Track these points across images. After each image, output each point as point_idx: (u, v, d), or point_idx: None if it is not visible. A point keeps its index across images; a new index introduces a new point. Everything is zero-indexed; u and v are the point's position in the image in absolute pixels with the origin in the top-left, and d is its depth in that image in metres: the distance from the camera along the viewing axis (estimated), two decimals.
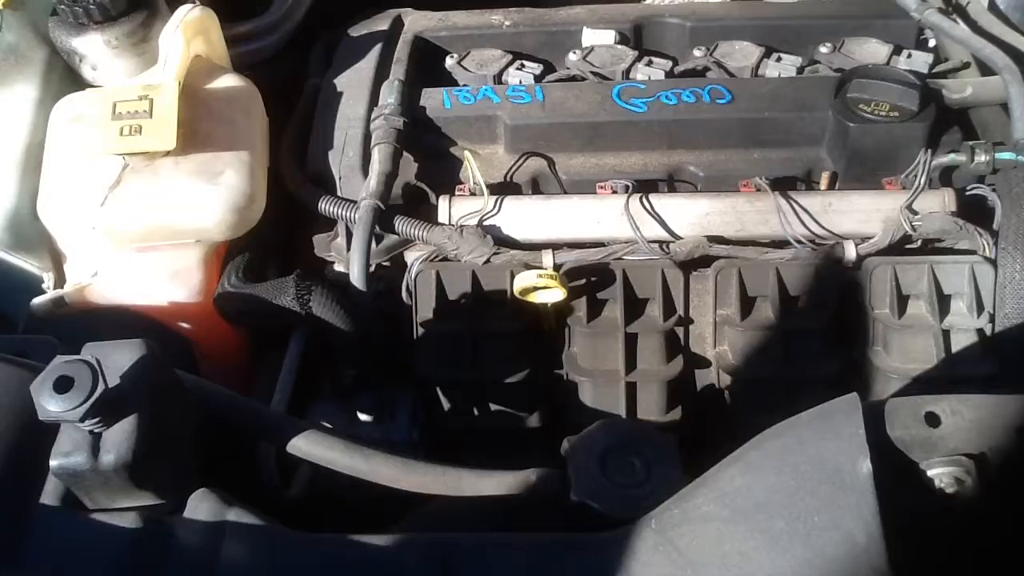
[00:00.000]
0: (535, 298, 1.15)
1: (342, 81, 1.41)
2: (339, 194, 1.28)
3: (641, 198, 1.21)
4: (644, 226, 1.20)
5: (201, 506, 0.83)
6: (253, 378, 1.30)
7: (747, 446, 0.80)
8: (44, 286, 1.28)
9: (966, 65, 1.39)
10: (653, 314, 1.20)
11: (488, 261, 1.19)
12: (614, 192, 1.24)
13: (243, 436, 1.03)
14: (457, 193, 1.26)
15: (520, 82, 1.40)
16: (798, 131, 1.28)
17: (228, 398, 0.97)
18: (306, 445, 0.93)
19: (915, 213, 1.18)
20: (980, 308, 1.15)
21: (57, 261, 1.29)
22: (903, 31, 1.43)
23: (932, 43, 1.45)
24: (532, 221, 1.23)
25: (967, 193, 1.22)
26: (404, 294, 1.23)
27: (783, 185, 1.24)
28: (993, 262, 1.15)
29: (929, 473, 0.77)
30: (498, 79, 1.42)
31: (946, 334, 1.15)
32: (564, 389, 1.23)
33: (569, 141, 1.30)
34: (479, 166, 1.24)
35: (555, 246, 1.21)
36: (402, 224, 1.21)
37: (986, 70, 1.33)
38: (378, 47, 1.46)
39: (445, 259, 1.21)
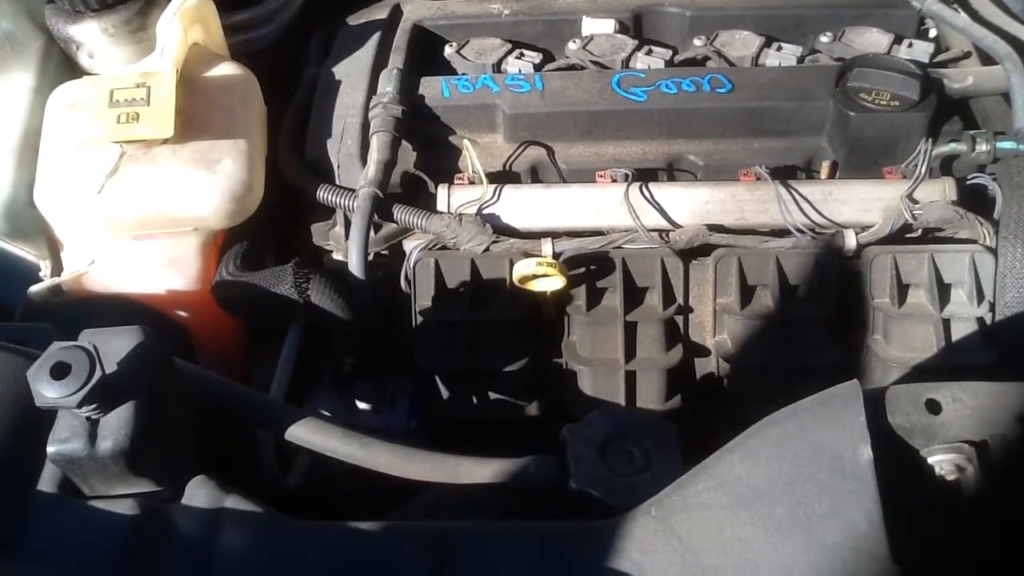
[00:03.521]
0: (534, 286, 1.15)
1: (340, 70, 1.40)
2: (337, 182, 1.27)
3: (641, 187, 1.21)
4: (644, 215, 1.19)
5: (199, 493, 0.83)
6: (251, 367, 1.29)
7: (747, 433, 0.80)
8: (41, 274, 1.27)
9: (967, 54, 1.38)
10: (653, 303, 1.20)
11: (487, 249, 1.19)
12: (614, 181, 1.23)
13: (241, 424, 1.03)
14: (456, 182, 1.25)
15: (519, 71, 1.39)
16: (798, 120, 1.28)
17: (226, 386, 0.97)
18: (304, 433, 0.93)
19: (916, 202, 1.18)
20: (980, 297, 1.15)
21: (54, 249, 1.28)
22: (904, 20, 1.43)
23: (933, 32, 1.45)
24: (531, 210, 1.23)
25: (968, 182, 1.22)
26: (403, 283, 1.23)
27: (783, 174, 1.24)
28: (993, 251, 1.15)
29: (930, 460, 0.77)
30: (497, 68, 1.41)
31: (946, 323, 1.15)
32: (563, 378, 1.23)
33: (568, 130, 1.30)
34: (478, 155, 1.24)
35: (554, 234, 1.20)
36: (401, 212, 1.21)
37: (987, 59, 1.33)
38: (376, 36, 1.45)
39: (444, 247, 1.21)
